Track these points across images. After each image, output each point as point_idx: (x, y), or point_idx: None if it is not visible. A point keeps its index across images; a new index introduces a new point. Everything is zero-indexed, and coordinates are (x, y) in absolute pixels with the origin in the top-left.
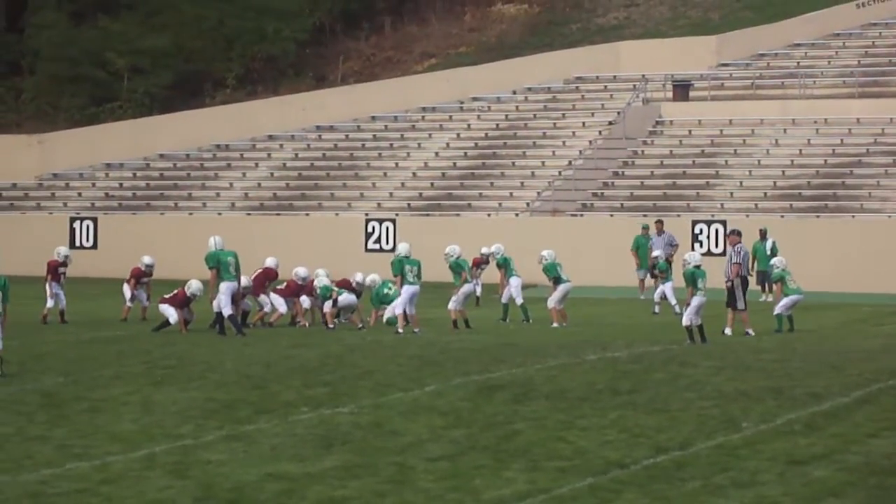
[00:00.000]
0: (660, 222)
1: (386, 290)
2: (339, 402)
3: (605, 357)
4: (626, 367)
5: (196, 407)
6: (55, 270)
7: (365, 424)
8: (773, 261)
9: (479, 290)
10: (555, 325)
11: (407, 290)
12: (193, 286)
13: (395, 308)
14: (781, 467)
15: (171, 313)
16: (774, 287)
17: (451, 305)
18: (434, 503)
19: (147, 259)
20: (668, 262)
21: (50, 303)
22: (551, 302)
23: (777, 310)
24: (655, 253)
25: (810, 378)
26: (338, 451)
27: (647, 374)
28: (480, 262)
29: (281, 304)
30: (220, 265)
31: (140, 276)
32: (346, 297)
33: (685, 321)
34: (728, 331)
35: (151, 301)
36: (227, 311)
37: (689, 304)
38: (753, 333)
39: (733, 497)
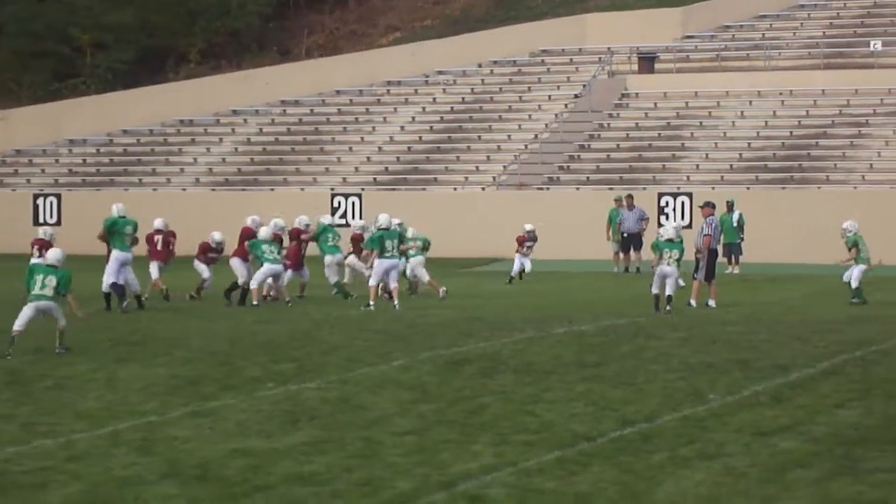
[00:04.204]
0: (630, 196)
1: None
2: (306, 377)
3: (571, 330)
4: (592, 341)
5: (161, 384)
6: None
7: (332, 399)
8: (846, 225)
9: (528, 266)
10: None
11: (381, 264)
12: (216, 236)
13: (370, 281)
14: (748, 439)
15: (203, 269)
16: (849, 253)
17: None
18: (401, 477)
19: (217, 235)
20: (640, 236)
21: None
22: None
23: (854, 283)
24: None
25: (776, 349)
26: (305, 426)
27: (614, 347)
28: (526, 240)
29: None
30: (115, 233)
31: (208, 252)
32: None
33: (653, 290)
34: (693, 302)
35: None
36: (109, 279)
37: (655, 272)
38: (715, 305)
39: (700, 469)
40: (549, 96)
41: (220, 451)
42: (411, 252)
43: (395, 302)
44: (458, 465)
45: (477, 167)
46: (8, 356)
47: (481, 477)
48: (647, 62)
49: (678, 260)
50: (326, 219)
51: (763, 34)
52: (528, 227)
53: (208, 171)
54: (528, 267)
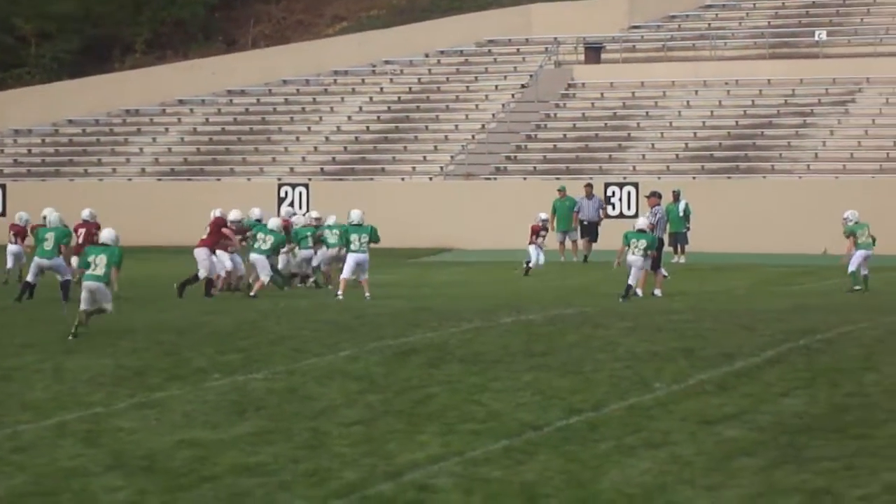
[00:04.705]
0: (589, 186)
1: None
2: (253, 368)
3: (519, 320)
4: (539, 330)
5: (107, 374)
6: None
7: (279, 390)
8: (846, 214)
9: (542, 259)
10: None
11: (351, 258)
12: (232, 214)
13: (343, 274)
14: (693, 427)
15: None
16: (847, 241)
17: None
18: (348, 468)
19: (233, 214)
20: (598, 225)
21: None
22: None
23: (851, 267)
24: (542, 216)
25: (722, 338)
26: (251, 417)
27: (561, 337)
28: (540, 229)
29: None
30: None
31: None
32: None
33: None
34: (639, 291)
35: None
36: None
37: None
38: (661, 295)
39: (645, 457)
40: (496, 86)
41: (167, 442)
42: (332, 241)
43: (367, 293)
44: (405, 454)
45: (424, 157)
46: (73, 336)
47: (428, 467)
48: (594, 52)
49: (646, 249)
50: (257, 212)
51: (709, 24)
52: (543, 215)
53: (154, 161)
54: (541, 260)
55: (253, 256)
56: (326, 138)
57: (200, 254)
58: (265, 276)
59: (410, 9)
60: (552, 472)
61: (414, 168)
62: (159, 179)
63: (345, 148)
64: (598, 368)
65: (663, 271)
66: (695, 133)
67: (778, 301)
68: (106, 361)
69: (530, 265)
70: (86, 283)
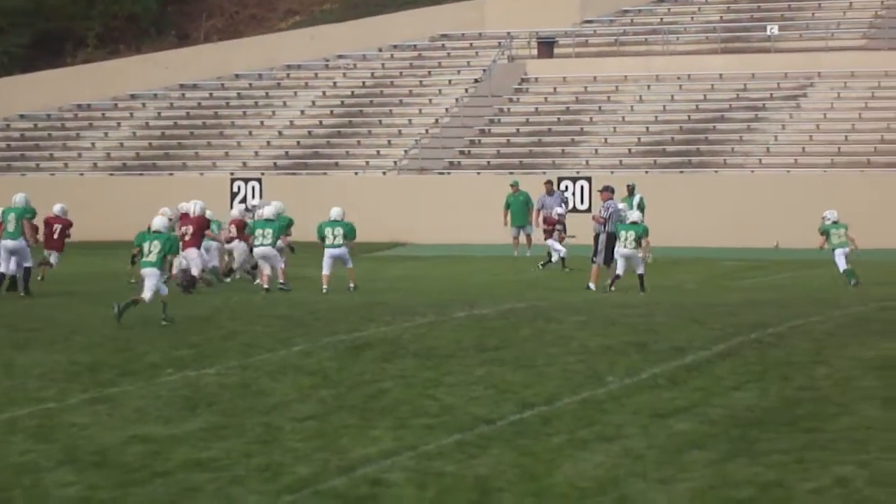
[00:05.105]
0: (549, 182)
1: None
2: (206, 363)
3: (472, 314)
4: (492, 324)
5: (60, 370)
6: None
7: (231, 385)
8: (826, 213)
9: (563, 253)
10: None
11: (327, 253)
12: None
13: (323, 270)
14: (645, 420)
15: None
16: (823, 239)
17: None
18: (301, 463)
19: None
20: (562, 221)
21: None
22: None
23: (841, 267)
24: (559, 211)
25: (673, 332)
26: (204, 412)
27: (514, 331)
28: (557, 222)
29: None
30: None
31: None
32: None
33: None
34: (591, 285)
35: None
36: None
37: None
38: (594, 288)
39: (598, 450)
40: (450, 81)
41: (119, 437)
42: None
43: (351, 284)
44: (358, 449)
45: (378, 151)
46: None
47: (381, 461)
48: (547, 47)
49: (637, 240)
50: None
51: (661, 19)
52: (560, 210)
53: (106, 155)
54: (562, 253)
55: (259, 251)
56: (279, 133)
57: (191, 253)
58: (279, 264)
59: (364, 3)
60: (505, 465)
61: (367, 163)
62: (111, 174)
63: (298, 142)
64: (551, 362)
65: (649, 256)
66: (647, 128)
67: (730, 295)
68: (58, 357)
69: (552, 260)
70: (142, 271)
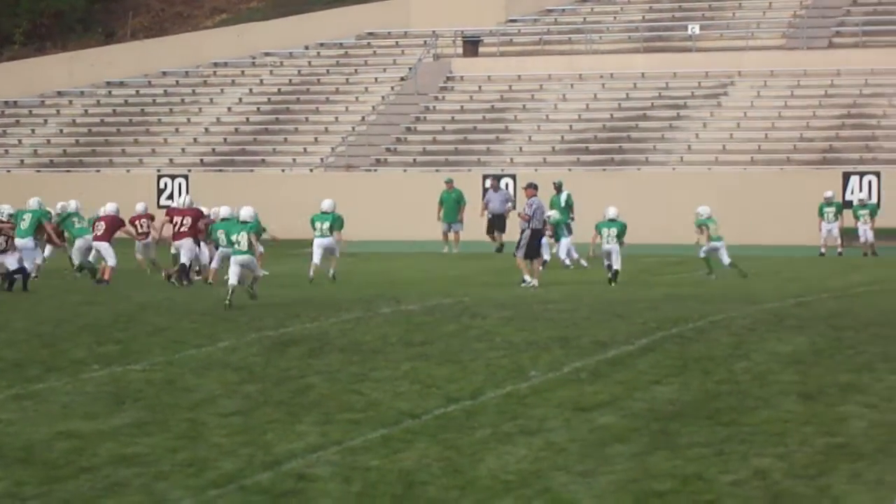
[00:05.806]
0: (495, 179)
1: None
2: (131, 359)
3: (398, 310)
4: (418, 320)
5: None
6: None
7: (157, 381)
8: (699, 209)
9: (554, 252)
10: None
11: (317, 243)
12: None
13: (312, 259)
14: (568, 414)
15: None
16: (699, 231)
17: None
18: (226, 458)
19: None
20: (505, 218)
21: None
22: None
23: (702, 253)
24: (549, 213)
25: (596, 327)
26: (129, 408)
27: (439, 326)
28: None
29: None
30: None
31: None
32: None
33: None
34: (528, 278)
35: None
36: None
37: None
38: (538, 284)
39: (521, 444)
40: (376, 79)
41: (45, 433)
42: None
43: (331, 271)
44: (284, 444)
45: (305, 149)
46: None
47: (307, 456)
48: (472, 46)
49: (618, 236)
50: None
51: (584, 18)
52: (552, 213)
53: (33, 152)
54: (557, 254)
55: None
56: (206, 129)
57: (186, 243)
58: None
59: (290, 1)
60: (430, 459)
61: (294, 160)
62: (38, 171)
63: (225, 139)
64: (475, 357)
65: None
66: (570, 126)
67: (651, 290)
68: None
69: (576, 256)
70: (235, 259)
